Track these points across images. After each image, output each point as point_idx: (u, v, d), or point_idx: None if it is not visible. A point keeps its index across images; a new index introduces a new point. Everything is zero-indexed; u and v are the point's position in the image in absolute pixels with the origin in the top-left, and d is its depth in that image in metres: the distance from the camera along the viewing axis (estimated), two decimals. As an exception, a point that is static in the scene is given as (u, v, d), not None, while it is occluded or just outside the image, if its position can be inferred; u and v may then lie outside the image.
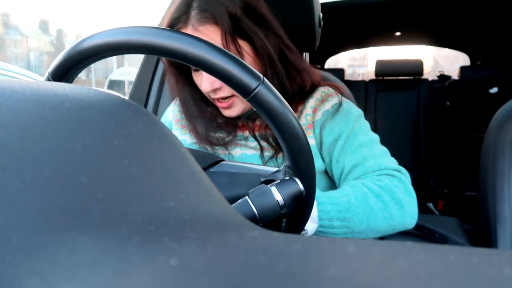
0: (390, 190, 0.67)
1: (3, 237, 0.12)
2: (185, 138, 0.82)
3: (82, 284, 0.12)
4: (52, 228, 0.13)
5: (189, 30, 0.68)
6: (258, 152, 0.76)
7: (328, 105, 0.77)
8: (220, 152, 0.78)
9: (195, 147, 0.80)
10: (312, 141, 0.76)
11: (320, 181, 0.79)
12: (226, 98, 0.73)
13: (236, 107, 0.75)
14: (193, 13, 0.67)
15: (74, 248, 0.13)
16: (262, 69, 0.74)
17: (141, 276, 0.12)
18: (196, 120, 0.80)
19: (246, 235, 0.16)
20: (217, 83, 0.70)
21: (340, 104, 0.77)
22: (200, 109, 0.80)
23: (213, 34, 0.68)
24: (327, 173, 0.80)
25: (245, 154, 0.77)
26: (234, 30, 0.68)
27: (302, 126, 0.76)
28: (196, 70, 0.73)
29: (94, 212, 0.14)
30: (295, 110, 0.78)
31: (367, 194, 0.66)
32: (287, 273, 0.13)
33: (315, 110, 0.77)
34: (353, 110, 0.78)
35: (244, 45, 0.70)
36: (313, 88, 0.79)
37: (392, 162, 0.73)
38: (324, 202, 0.64)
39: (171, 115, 0.89)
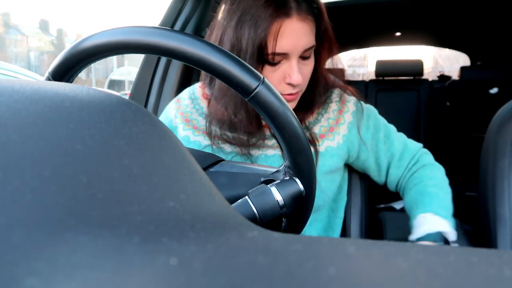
0: (439, 167, 0.85)
1: (3, 236, 0.12)
2: (198, 139, 0.79)
3: (81, 284, 0.12)
4: (52, 228, 0.13)
5: (294, 20, 0.67)
6: (279, 152, 0.76)
7: (351, 106, 0.82)
8: (237, 151, 0.76)
9: (209, 149, 0.77)
10: (332, 143, 0.78)
11: (334, 178, 0.80)
12: (295, 92, 0.73)
13: (297, 100, 0.75)
14: (293, 4, 0.67)
15: (74, 248, 0.13)
16: (313, 68, 0.75)
17: (141, 275, 0.12)
18: (210, 119, 0.77)
19: (246, 235, 0.16)
20: (303, 76, 0.71)
21: (358, 101, 0.83)
22: (215, 106, 0.77)
23: (313, 25, 0.69)
24: (337, 172, 0.82)
25: (265, 154, 0.76)
26: (321, 28, 0.71)
27: (323, 128, 0.79)
28: (273, 65, 0.69)
29: (94, 212, 0.14)
30: (314, 112, 0.79)
31: (442, 184, 0.81)
32: (286, 273, 0.13)
33: (340, 112, 0.80)
34: (369, 106, 0.86)
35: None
36: (328, 87, 0.82)
37: (413, 141, 0.88)
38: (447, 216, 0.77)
39: (173, 113, 0.85)
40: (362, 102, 0.84)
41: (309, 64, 0.72)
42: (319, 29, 0.71)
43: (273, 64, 0.69)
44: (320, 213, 0.83)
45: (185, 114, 0.83)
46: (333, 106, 0.81)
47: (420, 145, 0.87)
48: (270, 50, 0.67)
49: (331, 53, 0.77)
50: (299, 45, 0.68)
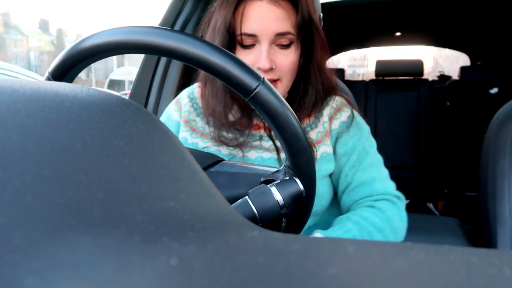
0: (390, 221, 0.72)
1: (3, 236, 0.12)
2: (196, 141, 0.79)
3: (82, 284, 0.12)
4: (52, 228, 0.13)
5: (264, 2, 0.68)
6: (275, 155, 0.75)
7: (344, 116, 0.79)
8: (235, 153, 0.76)
9: (207, 151, 0.76)
10: (328, 149, 0.76)
11: (331, 184, 0.79)
12: (272, 81, 0.72)
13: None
14: None
15: (74, 248, 0.13)
16: (303, 62, 0.75)
17: (141, 275, 0.12)
18: (208, 119, 0.78)
19: (246, 235, 0.16)
20: (275, 62, 0.71)
21: (353, 116, 0.79)
22: (212, 106, 0.77)
23: (290, 12, 0.69)
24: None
25: (261, 157, 0.75)
26: (303, 18, 0.70)
27: (320, 134, 0.77)
28: (246, 48, 0.71)
29: (94, 212, 0.14)
30: (311, 114, 0.78)
31: (372, 232, 0.70)
32: (286, 273, 0.13)
33: (331, 118, 0.78)
34: (364, 126, 0.81)
35: (298, 43, 0.73)
36: (329, 92, 0.80)
37: (393, 187, 0.78)
38: None
39: (177, 115, 0.84)
40: (358, 119, 0.80)
41: (288, 54, 0.71)
42: (302, 20, 0.70)
43: (245, 46, 0.71)
44: (319, 218, 0.81)
45: (184, 114, 0.83)
46: (328, 110, 0.79)
47: (392, 191, 0.76)
48: (238, 31, 0.69)
49: (323, 51, 0.76)
50: (268, 28, 0.68)
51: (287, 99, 0.78)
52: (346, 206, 0.78)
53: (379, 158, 0.80)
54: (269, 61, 0.69)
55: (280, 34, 0.69)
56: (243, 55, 0.72)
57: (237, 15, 0.69)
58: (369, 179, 0.76)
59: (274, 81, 0.72)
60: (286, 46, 0.71)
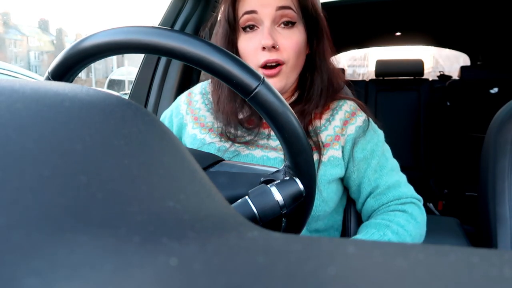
0: (420, 227, 0.75)
1: (3, 237, 0.12)
2: (204, 137, 0.79)
3: (81, 284, 0.11)
4: (52, 228, 0.13)
5: None
6: (281, 155, 0.74)
7: (359, 120, 0.78)
8: (240, 150, 0.75)
9: (213, 146, 0.77)
10: (337, 153, 0.75)
11: (337, 189, 0.78)
12: (275, 65, 0.71)
13: (283, 77, 0.72)
14: None
15: (74, 248, 0.13)
16: (310, 56, 0.76)
17: (141, 276, 0.12)
18: (217, 115, 0.78)
19: (246, 235, 0.16)
20: (278, 43, 0.70)
21: (368, 121, 0.79)
22: (223, 102, 0.77)
23: None
24: (339, 181, 0.79)
25: (267, 156, 0.74)
26: (307, 4, 0.72)
27: (329, 137, 0.76)
28: (249, 31, 0.72)
29: (94, 212, 0.14)
30: (322, 114, 0.78)
31: (407, 240, 0.72)
32: (286, 273, 0.13)
33: (346, 123, 0.77)
34: (379, 130, 0.81)
35: (301, 26, 0.73)
36: (337, 90, 0.80)
37: (413, 190, 0.80)
38: None
39: (185, 109, 0.85)
40: (373, 124, 0.80)
41: (292, 35, 0.71)
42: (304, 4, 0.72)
43: (247, 30, 0.72)
44: (321, 223, 0.79)
45: (195, 111, 0.83)
46: (341, 115, 0.78)
47: (417, 195, 0.79)
48: (239, 14, 0.71)
49: (328, 42, 0.76)
50: (268, 2, 0.69)
51: (296, 91, 0.79)
52: (372, 209, 0.78)
53: (397, 163, 0.81)
54: (272, 38, 0.69)
55: (281, 8, 0.69)
56: (247, 40, 0.72)
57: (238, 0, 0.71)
58: (394, 183, 0.77)
59: (279, 65, 0.71)
60: (289, 25, 0.71)
